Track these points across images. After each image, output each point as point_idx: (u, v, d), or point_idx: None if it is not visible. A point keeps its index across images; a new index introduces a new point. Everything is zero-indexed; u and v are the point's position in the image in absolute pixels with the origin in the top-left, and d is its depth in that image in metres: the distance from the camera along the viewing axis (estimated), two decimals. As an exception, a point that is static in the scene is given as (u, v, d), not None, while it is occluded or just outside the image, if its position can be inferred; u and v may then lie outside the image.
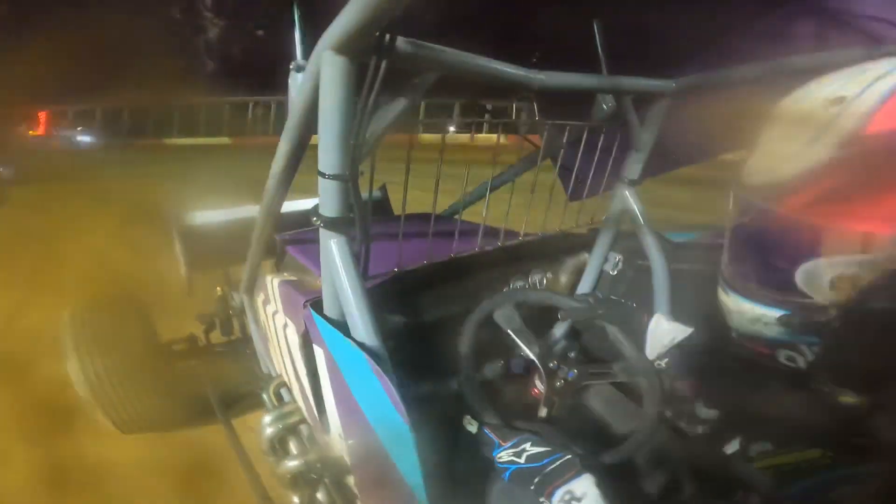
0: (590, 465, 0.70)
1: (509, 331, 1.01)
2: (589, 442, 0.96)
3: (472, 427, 0.88)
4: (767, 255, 0.66)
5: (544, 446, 0.75)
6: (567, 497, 0.64)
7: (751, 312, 0.67)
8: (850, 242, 0.55)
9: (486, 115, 1.42)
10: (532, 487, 0.70)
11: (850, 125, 0.55)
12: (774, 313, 0.64)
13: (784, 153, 0.62)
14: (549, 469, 0.71)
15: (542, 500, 0.67)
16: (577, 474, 0.67)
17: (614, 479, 0.69)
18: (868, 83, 0.56)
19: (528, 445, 0.77)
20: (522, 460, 0.75)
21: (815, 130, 0.58)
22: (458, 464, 0.85)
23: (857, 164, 0.55)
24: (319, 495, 1.06)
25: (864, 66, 0.59)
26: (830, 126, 0.57)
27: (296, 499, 1.05)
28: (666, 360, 1.01)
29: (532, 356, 0.98)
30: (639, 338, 1.08)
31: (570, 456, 0.72)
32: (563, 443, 0.80)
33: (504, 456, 0.78)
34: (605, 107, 1.26)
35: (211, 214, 2.11)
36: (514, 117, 1.49)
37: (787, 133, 0.63)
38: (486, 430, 0.88)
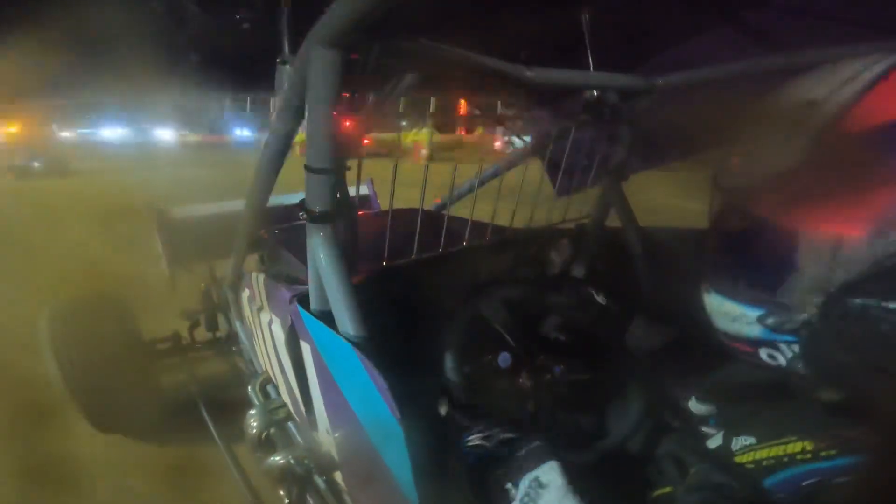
0: (558, 452, 0.71)
1: (496, 325, 1.01)
2: (573, 436, 0.97)
3: (443, 409, 0.89)
4: (745, 254, 0.66)
5: (515, 433, 0.77)
6: (534, 484, 0.66)
7: (731, 311, 0.67)
8: (825, 242, 0.56)
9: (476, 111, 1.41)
10: (499, 471, 0.71)
11: (822, 127, 0.56)
12: (753, 312, 0.64)
13: (759, 154, 0.63)
14: (517, 455, 0.72)
15: (507, 486, 0.68)
16: (544, 461, 0.69)
17: (591, 472, 0.71)
18: (839, 85, 0.56)
19: (497, 431, 0.78)
20: (490, 444, 0.77)
21: (789, 132, 0.59)
22: (447, 458, 0.85)
23: (829, 164, 0.56)
24: (307, 492, 1.05)
25: (834, 68, 0.60)
26: (803, 127, 0.57)
27: (283, 495, 1.05)
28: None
29: (519, 350, 0.99)
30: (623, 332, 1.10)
31: (538, 443, 0.73)
32: (538, 432, 0.81)
33: (474, 440, 0.80)
34: (592, 103, 1.27)
35: (194, 209, 2.08)
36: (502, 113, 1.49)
37: (763, 134, 0.64)
38: (458, 414, 0.88)
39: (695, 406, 0.90)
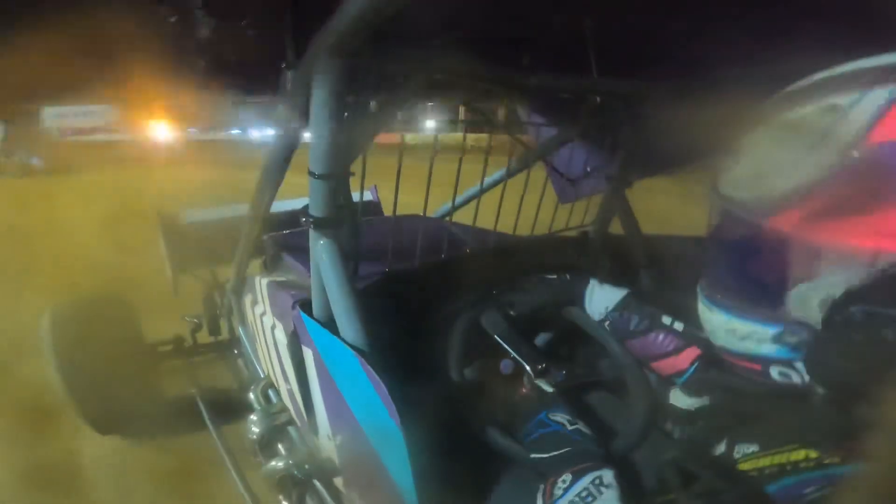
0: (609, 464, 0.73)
1: (496, 336, 1.01)
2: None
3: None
4: (760, 270, 0.64)
5: (587, 436, 0.80)
6: (597, 482, 0.67)
7: (741, 329, 0.65)
8: (848, 258, 0.54)
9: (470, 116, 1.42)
10: (562, 451, 0.74)
11: (850, 135, 0.53)
12: (768, 330, 0.62)
13: (775, 165, 0.60)
14: (580, 449, 0.75)
15: (564, 477, 0.69)
16: (606, 465, 0.71)
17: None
18: (863, 91, 0.53)
19: (581, 425, 0.81)
20: (569, 428, 0.79)
21: (810, 141, 0.56)
22: (451, 464, 0.85)
23: (859, 176, 0.53)
24: (308, 497, 1.05)
25: (853, 73, 0.57)
26: (827, 137, 0.54)
27: (283, 499, 1.04)
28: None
29: (520, 360, 0.99)
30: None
31: (602, 449, 0.77)
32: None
33: (558, 416, 0.82)
34: (595, 109, 1.27)
35: (198, 213, 2.09)
36: (505, 119, 1.49)
37: (778, 143, 0.62)
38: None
39: (678, 398, 0.89)
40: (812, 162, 0.56)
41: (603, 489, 0.66)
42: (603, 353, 1.06)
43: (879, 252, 0.52)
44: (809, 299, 0.57)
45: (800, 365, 0.61)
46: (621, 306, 1.06)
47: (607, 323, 1.08)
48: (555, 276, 1.28)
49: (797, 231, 0.57)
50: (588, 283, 1.12)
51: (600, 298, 1.10)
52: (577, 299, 1.12)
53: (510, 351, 1.00)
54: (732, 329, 0.67)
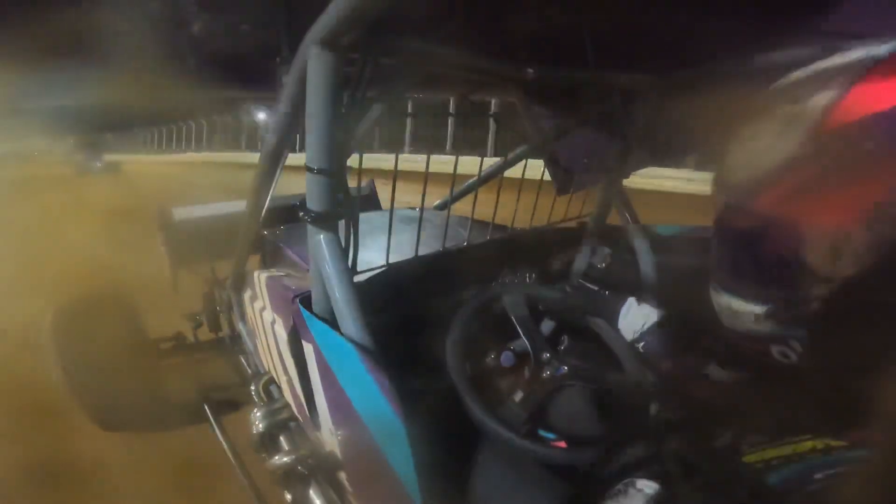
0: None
1: (513, 317, 1.01)
2: (576, 433, 0.97)
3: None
4: (748, 250, 0.66)
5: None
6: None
7: (739, 308, 0.67)
8: (825, 234, 0.56)
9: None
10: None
11: (813, 121, 0.56)
12: (761, 309, 0.64)
13: (755, 149, 0.63)
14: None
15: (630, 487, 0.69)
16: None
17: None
18: (826, 79, 0.57)
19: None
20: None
21: (782, 126, 0.59)
22: (452, 456, 0.85)
23: (822, 157, 0.56)
24: (311, 491, 1.05)
25: (821, 64, 0.60)
26: (794, 122, 0.58)
27: (288, 496, 1.05)
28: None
29: (527, 346, 0.99)
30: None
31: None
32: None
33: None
34: (592, 101, 1.26)
35: (196, 210, 2.08)
36: (500, 112, 1.49)
37: (759, 129, 0.64)
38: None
39: (716, 372, 0.90)
40: (782, 146, 0.59)
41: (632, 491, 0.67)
42: (613, 362, 1.07)
43: (841, 228, 0.54)
44: (791, 277, 0.59)
45: (795, 343, 0.62)
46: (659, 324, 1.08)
47: (642, 344, 1.09)
48: (596, 288, 1.30)
49: (774, 212, 0.60)
50: (626, 300, 1.13)
51: (636, 316, 1.11)
52: (611, 314, 1.13)
53: (521, 334, 1.00)
54: (733, 309, 0.69)
